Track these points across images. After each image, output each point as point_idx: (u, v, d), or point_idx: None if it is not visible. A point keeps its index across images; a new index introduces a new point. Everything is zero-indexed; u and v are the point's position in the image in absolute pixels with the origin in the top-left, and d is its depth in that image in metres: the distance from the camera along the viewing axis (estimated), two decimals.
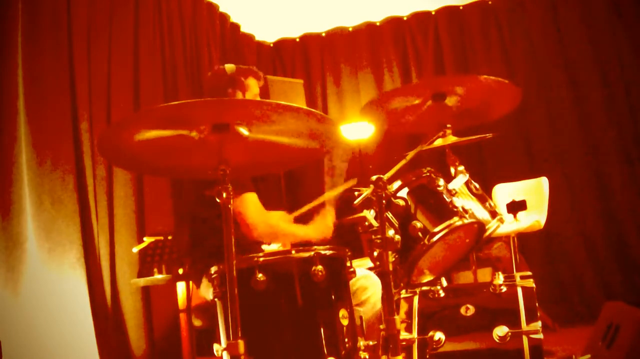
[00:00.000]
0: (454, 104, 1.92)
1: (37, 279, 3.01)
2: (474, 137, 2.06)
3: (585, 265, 4.61)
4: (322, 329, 1.60)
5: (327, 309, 1.63)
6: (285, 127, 1.53)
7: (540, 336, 1.76)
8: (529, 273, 1.97)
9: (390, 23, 5.33)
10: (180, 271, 3.00)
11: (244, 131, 1.49)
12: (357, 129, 4.68)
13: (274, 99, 4.27)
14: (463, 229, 1.87)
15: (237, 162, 1.56)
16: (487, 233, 1.92)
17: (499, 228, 1.96)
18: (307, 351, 1.58)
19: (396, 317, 1.56)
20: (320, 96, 5.41)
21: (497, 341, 1.78)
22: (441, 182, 1.88)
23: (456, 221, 1.80)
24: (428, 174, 1.90)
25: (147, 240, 3.19)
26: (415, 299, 1.97)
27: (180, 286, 3.20)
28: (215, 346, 1.57)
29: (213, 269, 1.68)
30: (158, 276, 3.11)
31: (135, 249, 3.22)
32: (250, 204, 2.29)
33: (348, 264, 1.71)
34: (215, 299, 1.66)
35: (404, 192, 1.87)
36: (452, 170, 1.98)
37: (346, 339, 1.62)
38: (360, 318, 1.71)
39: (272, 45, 5.52)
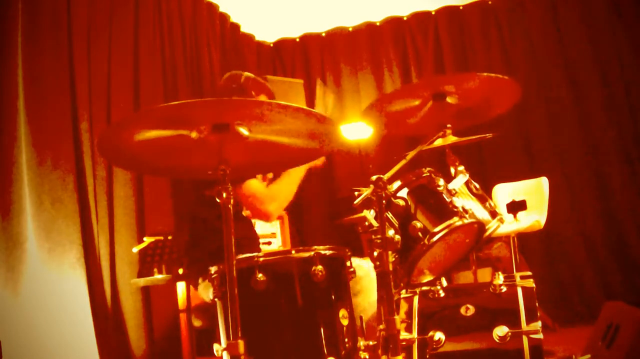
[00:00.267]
0: (455, 102, 1.91)
1: (37, 279, 3.01)
2: (474, 137, 2.06)
3: (585, 265, 4.61)
4: (322, 329, 1.60)
5: (327, 309, 1.63)
6: (285, 127, 1.53)
7: (540, 336, 1.76)
8: (529, 273, 1.96)
9: (390, 23, 5.33)
10: (180, 271, 3.01)
11: (244, 131, 1.49)
12: (357, 129, 4.68)
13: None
14: (463, 229, 1.87)
15: (237, 162, 1.56)
16: (487, 233, 1.92)
17: (499, 228, 1.96)
18: (307, 351, 1.58)
19: (396, 317, 1.56)
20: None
21: (497, 341, 1.78)
22: (441, 182, 1.88)
23: (456, 221, 1.80)
24: (428, 174, 1.90)
25: (147, 240, 3.19)
26: (415, 299, 1.97)
27: (180, 286, 3.20)
28: (215, 346, 1.57)
29: (213, 269, 1.68)
30: (158, 276, 3.11)
31: (135, 249, 3.22)
32: (256, 190, 2.30)
33: (348, 264, 1.71)
34: (215, 299, 1.66)
35: (404, 192, 1.87)
36: (452, 170, 1.97)
37: (346, 339, 1.62)
38: (361, 318, 1.70)
39: (272, 45, 5.52)
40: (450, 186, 1.89)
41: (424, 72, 5.21)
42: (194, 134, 1.47)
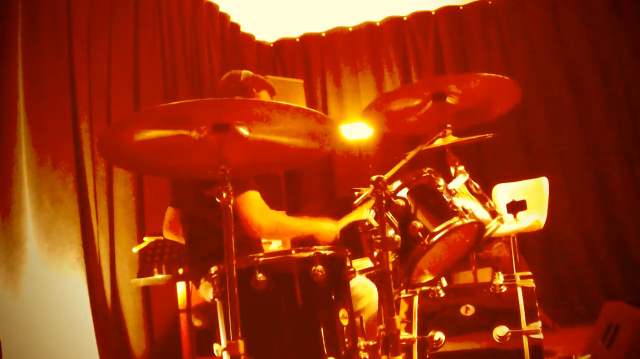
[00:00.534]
0: (454, 102, 1.91)
1: (37, 279, 3.01)
2: (474, 137, 2.06)
3: (585, 265, 4.61)
4: (322, 329, 1.60)
5: (327, 309, 1.63)
6: (285, 127, 1.53)
7: (540, 336, 1.76)
8: (529, 273, 1.96)
9: (390, 23, 5.33)
10: (180, 271, 3.00)
11: (244, 131, 1.49)
12: (357, 129, 4.68)
13: (274, 99, 4.27)
14: (463, 229, 1.87)
15: (237, 162, 1.56)
16: (487, 233, 1.92)
17: (499, 228, 1.96)
18: (307, 351, 1.58)
19: (396, 317, 1.55)
20: (320, 96, 5.41)
21: (497, 341, 1.78)
22: (441, 182, 1.88)
23: (456, 221, 1.80)
24: (428, 174, 1.90)
25: (147, 240, 3.19)
26: (415, 299, 1.97)
27: (180, 286, 3.20)
28: (215, 346, 1.57)
29: (213, 269, 1.68)
30: (158, 276, 3.11)
31: (135, 249, 3.22)
32: (253, 203, 2.25)
33: (348, 264, 1.71)
34: (215, 299, 1.66)
35: (404, 192, 1.87)
36: (452, 170, 1.97)
37: (346, 339, 1.62)
38: (361, 318, 1.70)
39: (272, 45, 5.52)
40: (450, 186, 1.89)
41: (424, 72, 5.21)
42: (194, 134, 1.47)
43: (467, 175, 1.95)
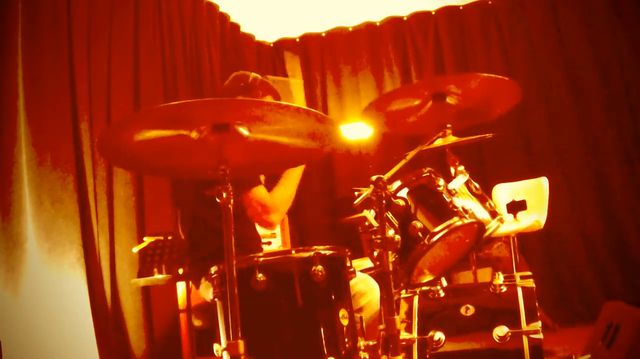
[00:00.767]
0: (454, 102, 1.91)
1: (37, 279, 3.01)
2: (474, 137, 2.06)
3: (585, 265, 4.61)
4: (322, 329, 1.60)
5: (327, 309, 1.63)
6: (285, 127, 1.53)
7: (540, 336, 1.76)
8: (529, 273, 1.96)
9: (390, 23, 5.33)
10: (180, 271, 3.00)
11: (244, 131, 1.49)
12: (357, 129, 4.68)
13: None
14: (463, 229, 1.87)
15: (237, 162, 1.56)
16: (487, 233, 1.92)
17: (499, 228, 1.96)
18: (307, 351, 1.58)
19: (396, 317, 1.55)
20: (320, 96, 5.41)
21: (497, 341, 1.78)
22: (441, 182, 1.88)
23: (456, 221, 1.80)
24: (428, 174, 1.90)
25: (147, 240, 3.19)
26: (415, 299, 1.96)
27: (180, 286, 3.20)
28: (215, 346, 1.57)
29: (213, 269, 1.68)
30: (158, 276, 3.11)
31: (135, 249, 3.22)
32: (262, 198, 2.33)
33: (348, 264, 1.71)
34: (215, 299, 1.66)
35: (404, 192, 1.87)
36: (452, 170, 1.97)
37: (346, 339, 1.62)
38: (360, 318, 1.70)
39: (272, 45, 5.52)
40: (450, 186, 1.89)
41: (424, 72, 5.21)
42: (194, 134, 1.47)
43: (467, 175, 1.95)
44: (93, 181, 3.44)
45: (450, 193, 1.86)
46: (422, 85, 2.23)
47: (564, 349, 3.21)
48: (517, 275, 1.95)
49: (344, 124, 4.70)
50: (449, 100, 1.90)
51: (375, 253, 1.65)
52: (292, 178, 2.45)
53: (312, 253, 1.61)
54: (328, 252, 1.64)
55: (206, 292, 2.31)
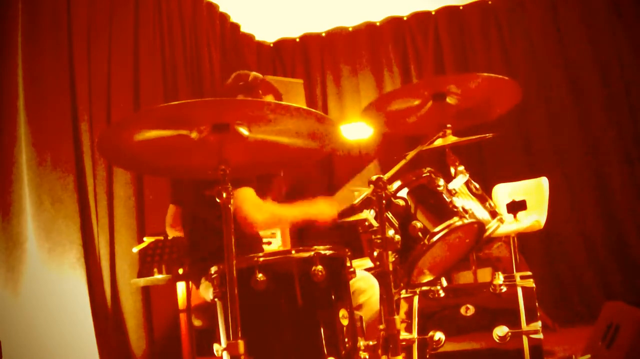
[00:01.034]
0: (454, 102, 1.91)
1: (37, 279, 3.01)
2: (474, 137, 2.06)
3: (585, 265, 4.61)
4: (322, 329, 1.60)
5: (327, 309, 1.63)
6: (285, 127, 1.53)
7: (540, 336, 1.76)
8: (529, 273, 1.96)
9: (390, 23, 5.33)
10: (180, 271, 3.00)
11: (244, 131, 1.49)
12: (357, 129, 4.68)
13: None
14: (463, 229, 1.87)
15: (237, 162, 1.56)
16: (487, 233, 1.92)
17: (499, 228, 1.96)
18: (307, 351, 1.58)
19: (396, 317, 1.55)
20: (320, 95, 5.41)
21: (497, 341, 1.78)
22: (441, 182, 1.88)
23: (456, 221, 1.80)
24: (428, 174, 1.90)
25: (147, 240, 3.19)
26: (415, 299, 1.96)
27: (180, 286, 3.20)
28: (215, 346, 1.57)
29: (213, 269, 1.68)
30: (158, 276, 3.11)
31: (135, 249, 3.22)
32: (247, 198, 2.23)
33: (348, 264, 1.71)
34: (215, 299, 1.66)
35: (404, 192, 1.87)
36: (452, 170, 1.97)
37: (346, 339, 1.62)
38: (360, 318, 1.70)
39: (272, 45, 5.52)
40: (450, 186, 1.89)
41: (424, 72, 5.21)
42: (194, 134, 1.47)
43: (467, 175, 1.95)
44: (93, 181, 3.44)
45: (450, 193, 1.86)
46: (422, 85, 2.24)
47: (564, 349, 3.21)
48: (517, 275, 1.94)
49: (344, 124, 4.70)
50: (449, 100, 1.91)
51: (375, 253, 1.65)
52: (303, 213, 2.37)
53: (312, 253, 1.61)
54: (328, 252, 1.64)
55: (206, 292, 2.31)
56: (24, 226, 3.01)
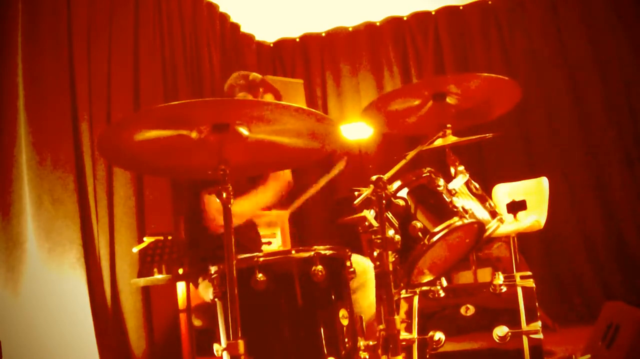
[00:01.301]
0: (454, 102, 1.91)
1: (37, 279, 3.01)
2: (474, 137, 2.06)
3: (585, 265, 4.61)
4: (322, 329, 1.60)
5: (327, 309, 1.63)
6: (285, 127, 1.53)
7: (540, 336, 1.76)
8: (529, 273, 1.96)
9: (390, 23, 5.33)
10: (180, 271, 3.00)
11: (244, 131, 1.49)
12: (357, 129, 4.68)
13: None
14: (463, 229, 1.86)
15: (237, 162, 1.56)
16: (487, 233, 1.92)
17: (499, 228, 1.96)
18: (307, 351, 1.58)
19: (396, 317, 1.56)
20: (320, 95, 5.41)
21: (497, 341, 1.78)
22: (441, 182, 1.88)
23: (456, 221, 1.80)
24: (428, 174, 1.90)
25: (147, 240, 3.18)
26: (415, 299, 1.97)
27: (180, 286, 3.20)
28: (215, 346, 1.57)
29: (213, 269, 1.68)
30: (158, 276, 3.10)
31: (135, 249, 3.21)
32: (209, 204, 2.25)
33: (348, 264, 1.71)
34: (215, 299, 1.66)
35: (404, 192, 1.87)
36: (452, 170, 1.97)
37: (346, 339, 1.62)
38: (360, 317, 1.70)
39: (272, 45, 5.52)
40: (450, 186, 1.89)
41: (424, 72, 5.21)
42: (194, 134, 1.47)
43: (467, 175, 1.95)
44: (93, 181, 3.44)
45: (450, 193, 1.86)
46: (422, 85, 2.23)
47: (564, 349, 3.21)
48: (517, 275, 1.95)
49: (344, 124, 4.70)
50: (449, 100, 1.90)
51: (375, 253, 1.65)
52: (268, 189, 2.40)
53: (312, 253, 1.61)
54: (328, 252, 1.65)
55: (206, 292, 2.31)
56: (24, 226, 3.01)
